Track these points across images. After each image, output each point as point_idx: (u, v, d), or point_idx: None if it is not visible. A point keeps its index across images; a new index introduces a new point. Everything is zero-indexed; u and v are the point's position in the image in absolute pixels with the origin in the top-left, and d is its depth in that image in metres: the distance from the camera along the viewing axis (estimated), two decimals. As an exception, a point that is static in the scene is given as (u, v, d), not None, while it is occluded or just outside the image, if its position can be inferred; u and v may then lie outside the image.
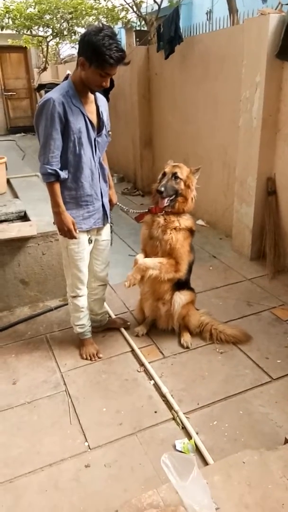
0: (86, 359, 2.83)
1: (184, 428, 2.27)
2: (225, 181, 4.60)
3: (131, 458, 2.12)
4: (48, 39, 9.80)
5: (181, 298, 2.88)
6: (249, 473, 1.74)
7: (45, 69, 10.88)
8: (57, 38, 9.88)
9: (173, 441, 2.19)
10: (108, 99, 6.82)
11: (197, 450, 2.12)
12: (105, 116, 2.46)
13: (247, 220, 4.08)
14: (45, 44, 9.96)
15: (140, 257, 2.73)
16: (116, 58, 2.11)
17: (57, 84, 9.85)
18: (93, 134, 2.38)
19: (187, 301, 2.91)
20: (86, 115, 2.32)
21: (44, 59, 10.71)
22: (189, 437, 2.20)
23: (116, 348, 2.93)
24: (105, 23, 2.43)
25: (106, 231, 2.75)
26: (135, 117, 6.26)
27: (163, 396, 2.49)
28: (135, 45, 6.20)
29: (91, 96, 2.38)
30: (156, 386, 2.58)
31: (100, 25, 2.13)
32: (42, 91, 9.89)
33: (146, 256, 2.76)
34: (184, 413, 2.35)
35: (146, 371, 2.70)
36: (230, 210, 4.47)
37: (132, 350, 2.91)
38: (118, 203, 2.97)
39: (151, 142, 6.29)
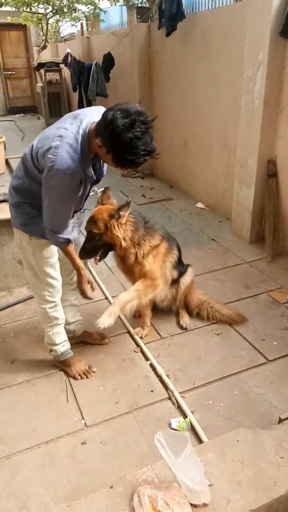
0: (82, 378, 2.52)
1: (179, 407, 2.29)
2: (226, 163, 4.55)
3: (127, 435, 2.14)
4: (48, 17, 9.58)
5: (186, 279, 2.94)
6: (243, 451, 1.76)
7: (45, 47, 10.67)
8: (57, 16, 9.68)
9: (169, 419, 2.21)
10: (108, 79, 6.76)
11: (192, 429, 2.15)
12: (105, 165, 2.18)
13: (247, 202, 4.05)
14: (45, 21, 9.75)
15: (121, 295, 2.62)
16: (139, 163, 1.79)
17: (56, 63, 9.53)
18: (88, 188, 2.14)
19: (190, 280, 2.98)
20: (92, 177, 2.04)
21: (44, 37, 10.50)
22: (185, 416, 2.22)
23: (114, 329, 2.93)
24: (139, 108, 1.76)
25: None
26: (136, 97, 6.15)
27: (159, 376, 2.51)
28: (136, 22, 6.07)
29: None
30: (152, 366, 2.60)
31: (134, 117, 1.68)
32: (42, 70, 9.75)
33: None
34: (180, 393, 2.37)
35: (143, 352, 2.72)
36: (230, 192, 4.43)
37: (129, 331, 2.92)
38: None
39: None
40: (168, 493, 1.53)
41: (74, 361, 2.56)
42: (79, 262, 2.27)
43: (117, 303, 2.53)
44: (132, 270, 2.64)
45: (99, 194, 2.63)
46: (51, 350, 2.54)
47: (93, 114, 1.93)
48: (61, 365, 2.57)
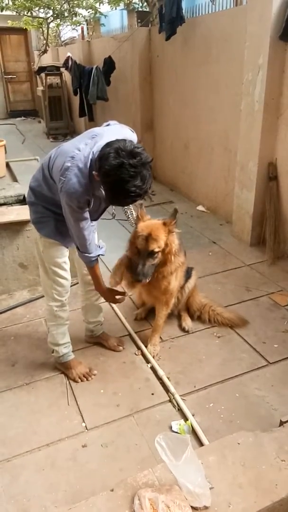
0: (82, 381, 2.51)
1: (180, 410, 2.29)
2: (226, 166, 4.56)
3: (128, 438, 2.14)
4: (48, 21, 9.63)
5: (190, 283, 2.95)
6: (244, 454, 1.76)
7: (45, 51, 10.70)
8: (58, 20, 9.73)
9: (169, 422, 2.21)
10: (109, 82, 6.78)
11: (193, 432, 2.15)
12: None
13: (248, 205, 4.05)
14: (46, 25, 9.79)
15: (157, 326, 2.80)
16: (127, 203, 1.89)
17: (57, 67, 9.53)
18: (103, 205, 2.24)
19: (194, 283, 2.99)
20: (103, 198, 2.05)
21: (44, 41, 10.54)
22: (185, 418, 2.22)
23: (115, 332, 2.94)
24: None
25: None
26: (136, 100, 6.18)
27: (160, 378, 2.51)
28: (136, 26, 6.09)
29: None
30: (153, 369, 2.60)
31: (123, 160, 1.71)
32: (42, 74, 9.77)
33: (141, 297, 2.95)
34: (180, 395, 2.37)
35: (144, 355, 2.72)
36: (230, 195, 4.43)
37: (130, 334, 2.92)
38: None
39: (152, 125, 6.22)
40: (169, 496, 1.53)
41: (75, 363, 2.56)
42: (103, 284, 2.35)
43: (157, 333, 2.79)
44: (155, 285, 2.57)
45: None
46: (53, 351, 2.55)
47: (109, 137, 1.92)
48: (62, 367, 2.58)
